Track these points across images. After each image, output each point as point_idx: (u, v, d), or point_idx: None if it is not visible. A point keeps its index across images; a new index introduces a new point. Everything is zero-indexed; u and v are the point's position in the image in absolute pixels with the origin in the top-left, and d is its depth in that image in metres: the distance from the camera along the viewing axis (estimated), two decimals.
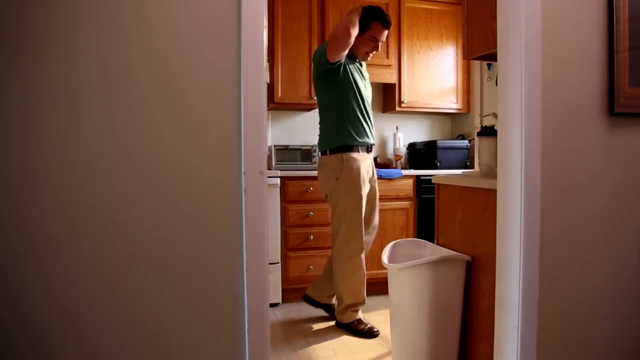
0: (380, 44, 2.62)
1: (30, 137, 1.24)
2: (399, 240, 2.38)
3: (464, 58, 3.23)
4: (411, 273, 2.00)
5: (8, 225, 1.23)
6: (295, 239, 3.21)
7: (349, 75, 2.57)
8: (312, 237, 3.24)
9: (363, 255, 2.68)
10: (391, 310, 2.17)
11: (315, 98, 2.73)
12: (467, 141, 3.88)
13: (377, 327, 2.73)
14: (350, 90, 2.57)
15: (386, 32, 2.60)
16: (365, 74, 2.76)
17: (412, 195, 3.45)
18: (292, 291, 3.26)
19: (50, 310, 1.27)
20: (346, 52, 2.46)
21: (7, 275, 1.23)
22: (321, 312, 3.05)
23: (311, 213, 3.23)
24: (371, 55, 2.64)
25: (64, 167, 1.27)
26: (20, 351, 1.25)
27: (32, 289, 1.25)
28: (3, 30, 1.21)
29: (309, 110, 3.75)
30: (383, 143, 4.09)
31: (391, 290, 2.16)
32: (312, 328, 2.80)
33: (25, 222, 1.24)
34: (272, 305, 3.14)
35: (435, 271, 1.98)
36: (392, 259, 2.22)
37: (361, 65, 2.74)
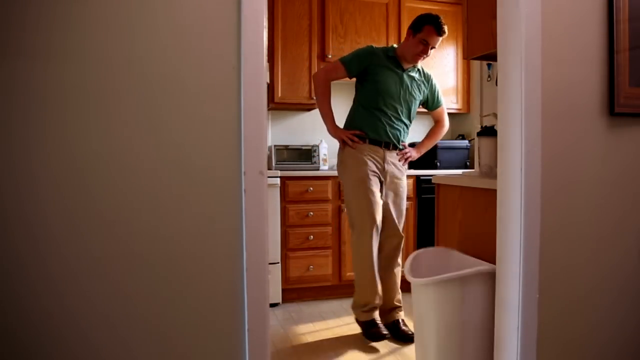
0: (431, 50, 2.62)
1: (34, 137, 1.24)
2: (421, 250, 2.17)
3: (464, 58, 3.23)
4: (437, 289, 1.81)
5: (12, 225, 1.23)
6: (295, 239, 3.21)
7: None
8: (312, 237, 3.24)
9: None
10: (415, 327, 2.02)
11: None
12: (467, 141, 3.88)
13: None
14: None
15: (439, 38, 2.61)
16: (407, 80, 2.70)
17: (412, 195, 3.45)
18: (292, 291, 3.26)
19: (54, 309, 1.27)
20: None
21: (11, 275, 1.23)
22: (321, 312, 3.05)
23: (311, 213, 3.23)
24: (422, 58, 2.65)
25: (67, 167, 1.27)
26: (25, 351, 1.25)
27: (36, 289, 1.25)
28: (5, 30, 1.21)
29: (309, 110, 3.75)
30: None
31: (415, 306, 1.97)
32: (312, 328, 2.80)
33: (29, 222, 1.24)
34: (272, 305, 3.14)
35: (465, 286, 1.78)
36: (415, 270, 2.00)
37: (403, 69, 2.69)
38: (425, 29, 2.57)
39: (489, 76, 3.81)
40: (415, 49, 2.60)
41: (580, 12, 1.73)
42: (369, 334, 2.54)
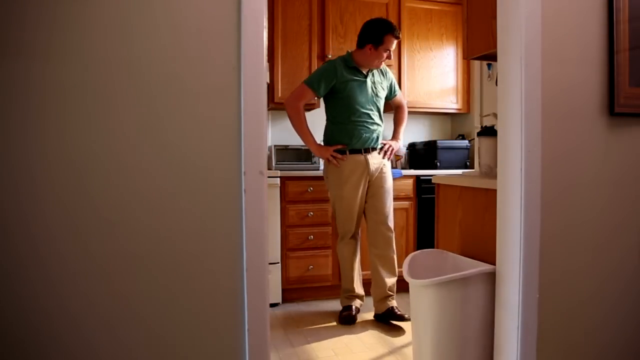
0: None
1: (33, 138, 1.24)
2: (417, 252, 2.17)
3: (464, 58, 3.23)
4: (439, 290, 1.80)
5: (10, 225, 1.23)
6: (295, 239, 3.21)
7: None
8: (312, 237, 3.24)
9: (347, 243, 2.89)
10: (413, 327, 1.99)
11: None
12: (467, 141, 3.87)
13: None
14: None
15: (396, 41, 2.80)
16: (369, 80, 2.85)
17: (412, 195, 3.45)
18: (292, 291, 3.26)
19: (52, 310, 1.27)
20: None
21: (10, 276, 1.23)
22: (321, 312, 3.05)
23: (311, 213, 3.23)
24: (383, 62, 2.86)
25: (66, 167, 1.27)
26: (23, 351, 1.25)
27: (34, 289, 1.25)
28: (5, 30, 1.21)
29: (309, 110, 3.73)
30: None
31: (414, 307, 1.94)
32: (312, 328, 2.80)
33: (28, 222, 1.24)
34: (272, 305, 3.14)
35: (466, 286, 1.77)
36: (412, 271, 1.99)
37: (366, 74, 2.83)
38: (386, 39, 2.74)
39: (489, 76, 3.81)
40: (380, 58, 2.78)
41: (580, 13, 1.73)
42: (341, 317, 2.89)
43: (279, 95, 3.43)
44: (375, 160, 2.82)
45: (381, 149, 2.87)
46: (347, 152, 2.77)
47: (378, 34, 2.72)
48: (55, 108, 1.26)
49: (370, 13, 3.59)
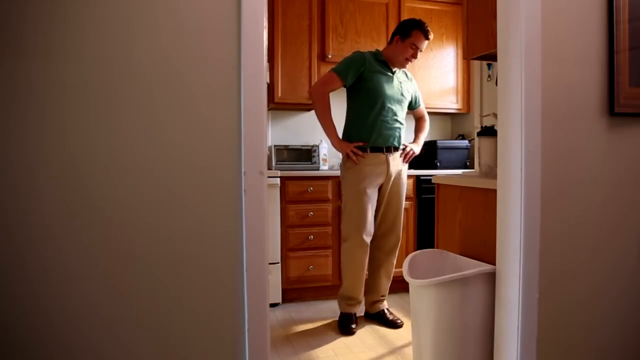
0: (419, 53, 2.75)
1: (34, 138, 1.24)
2: (417, 252, 2.18)
3: (464, 58, 3.23)
4: (439, 290, 1.80)
5: (11, 225, 1.23)
6: (295, 239, 3.21)
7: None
8: (312, 237, 3.24)
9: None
10: (413, 327, 1.99)
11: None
12: (467, 141, 3.88)
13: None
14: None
15: (426, 42, 2.74)
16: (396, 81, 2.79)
17: (412, 195, 3.45)
18: (292, 291, 3.26)
19: (53, 309, 1.27)
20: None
21: (10, 275, 1.23)
22: (321, 312, 3.05)
23: (311, 213, 3.23)
24: (411, 61, 2.77)
25: (67, 167, 1.27)
26: (24, 351, 1.25)
27: (35, 289, 1.25)
28: (5, 30, 1.21)
29: (309, 110, 3.75)
30: None
31: (414, 307, 1.94)
32: (312, 328, 2.80)
33: (29, 222, 1.24)
34: (272, 305, 3.14)
35: (466, 287, 1.77)
36: (412, 271, 1.98)
37: (393, 72, 2.78)
38: (414, 34, 2.69)
39: (489, 76, 3.81)
40: (405, 53, 2.72)
41: (580, 13, 1.73)
42: (342, 325, 2.76)
43: (279, 95, 3.43)
44: (396, 162, 2.76)
45: (403, 150, 2.82)
46: (368, 150, 2.69)
47: (407, 28, 2.70)
48: (56, 108, 1.26)
49: (370, 13, 3.59)
